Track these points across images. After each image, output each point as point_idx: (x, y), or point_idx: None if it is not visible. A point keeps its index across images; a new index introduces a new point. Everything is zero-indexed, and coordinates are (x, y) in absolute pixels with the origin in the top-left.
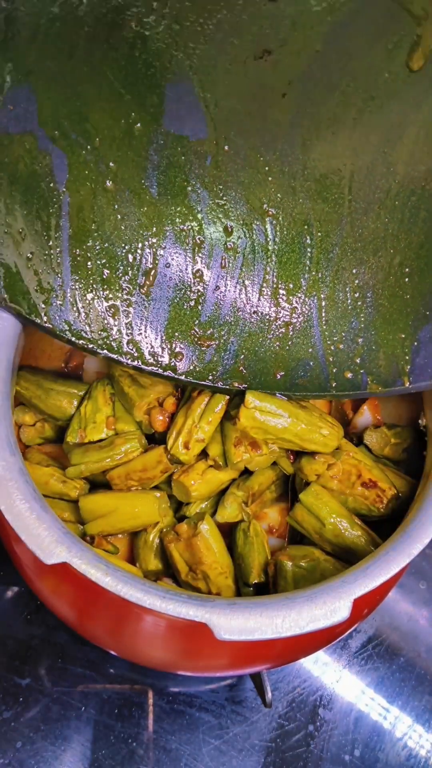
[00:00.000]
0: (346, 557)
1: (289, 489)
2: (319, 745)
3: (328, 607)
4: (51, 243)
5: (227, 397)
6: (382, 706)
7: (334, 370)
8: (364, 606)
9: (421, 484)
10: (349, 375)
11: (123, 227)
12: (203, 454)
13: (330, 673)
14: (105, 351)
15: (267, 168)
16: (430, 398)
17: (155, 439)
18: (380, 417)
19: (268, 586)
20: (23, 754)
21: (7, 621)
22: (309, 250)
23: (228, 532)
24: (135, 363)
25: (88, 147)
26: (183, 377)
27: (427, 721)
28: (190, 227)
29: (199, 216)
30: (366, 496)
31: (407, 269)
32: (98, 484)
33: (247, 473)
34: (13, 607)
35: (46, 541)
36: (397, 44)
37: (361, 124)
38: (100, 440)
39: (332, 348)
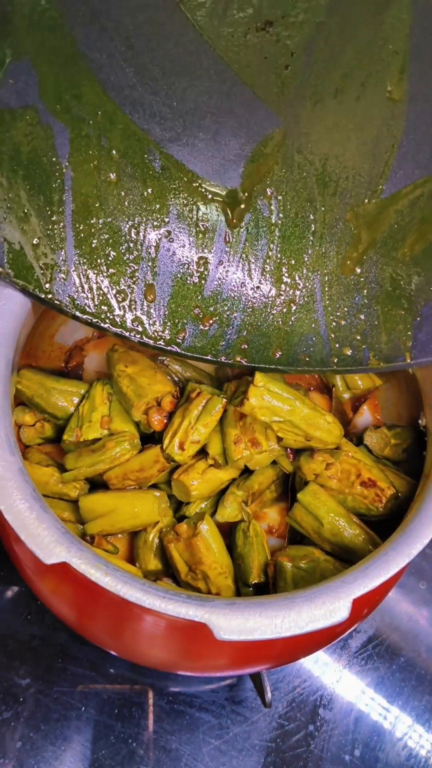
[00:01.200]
0: (346, 556)
1: (289, 489)
2: (319, 745)
3: (328, 607)
4: (54, 218)
5: (225, 399)
6: (382, 706)
7: (337, 345)
8: (364, 606)
9: (420, 484)
10: (350, 351)
11: (126, 202)
12: (203, 453)
13: (330, 673)
14: (108, 325)
15: (270, 142)
16: (430, 398)
17: (154, 438)
18: (380, 417)
19: (268, 586)
20: (23, 754)
21: (7, 621)
22: (312, 225)
23: (228, 532)
24: (139, 338)
25: (90, 121)
26: (186, 352)
27: (427, 721)
28: (193, 201)
29: (203, 190)
30: (365, 495)
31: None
32: (98, 483)
33: (246, 473)
34: (13, 607)
35: (45, 540)
36: (399, 17)
37: (365, 97)
38: (95, 440)
39: (335, 323)
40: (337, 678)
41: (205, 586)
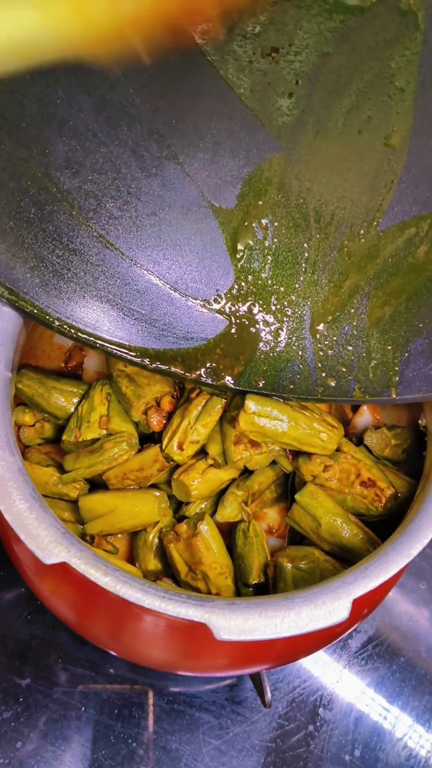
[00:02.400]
0: (345, 556)
1: (289, 489)
2: (319, 745)
3: (328, 607)
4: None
5: (224, 400)
6: (382, 706)
7: (323, 375)
8: (364, 606)
9: (420, 484)
10: (334, 382)
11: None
12: (203, 453)
13: (330, 673)
14: (87, 337)
15: (269, 166)
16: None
17: (154, 438)
18: (380, 417)
19: (268, 586)
20: (23, 754)
21: (7, 621)
22: (306, 252)
23: (228, 532)
24: (120, 352)
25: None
26: (177, 370)
27: (427, 721)
28: None
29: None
30: (365, 495)
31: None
32: (98, 483)
33: (247, 473)
34: (13, 607)
35: (45, 540)
36: (408, 57)
37: (369, 130)
38: (94, 440)
39: (322, 353)
40: (337, 678)
41: (204, 586)
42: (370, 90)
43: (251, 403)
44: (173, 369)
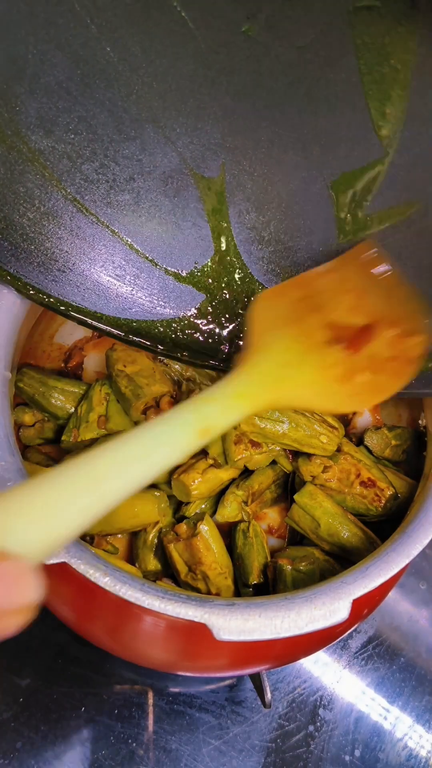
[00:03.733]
0: (345, 556)
1: (289, 489)
2: (319, 745)
3: (328, 607)
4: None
5: None
6: (382, 707)
7: None
8: (364, 606)
9: (420, 484)
10: None
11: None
12: (203, 453)
13: (330, 674)
14: (58, 304)
15: (257, 136)
16: (430, 399)
17: None
18: (380, 417)
19: (268, 587)
20: (23, 754)
21: None
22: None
23: (228, 532)
24: (91, 321)
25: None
26: (150, 343)
27: (427, 722)
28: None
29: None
30: (364, 495)
31: None
32: None
33: (247, 473)
34: None
35: None
36: (404, 36)
37: (361, 110)
38: (93, 440)
39: None
40: (337, 678)
41: (204, 587)
42: (366, 68)
43: None
44: (145, 341)
